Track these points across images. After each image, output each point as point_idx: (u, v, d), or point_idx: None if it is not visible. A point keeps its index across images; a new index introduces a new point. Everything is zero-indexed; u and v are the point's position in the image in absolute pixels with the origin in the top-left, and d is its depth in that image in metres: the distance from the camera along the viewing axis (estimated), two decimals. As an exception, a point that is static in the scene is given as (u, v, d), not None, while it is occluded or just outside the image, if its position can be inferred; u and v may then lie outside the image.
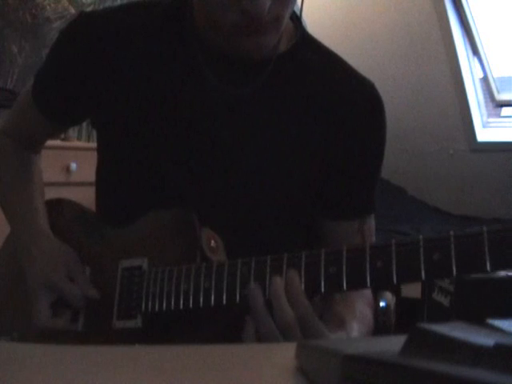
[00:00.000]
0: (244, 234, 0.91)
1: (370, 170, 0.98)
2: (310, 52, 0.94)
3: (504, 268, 0.59)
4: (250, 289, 0.73)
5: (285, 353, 0.51)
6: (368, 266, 0.67)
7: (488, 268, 0.59)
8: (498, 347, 0.31)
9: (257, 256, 0.75)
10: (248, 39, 0.83)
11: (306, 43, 0.95)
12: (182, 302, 0.79)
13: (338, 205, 0.96)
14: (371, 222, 0.98)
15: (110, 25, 0.93)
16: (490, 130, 3.55)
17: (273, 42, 0.85)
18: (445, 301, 2.27)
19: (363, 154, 0.95)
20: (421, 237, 0.64)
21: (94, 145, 1.05)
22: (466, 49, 3.46)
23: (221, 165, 0.90)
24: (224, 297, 0.76)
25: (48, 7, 2.93)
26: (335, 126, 0.92)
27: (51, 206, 1.03)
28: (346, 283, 0.68)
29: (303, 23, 0.97)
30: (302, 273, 0.71)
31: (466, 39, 3.46)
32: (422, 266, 0.63)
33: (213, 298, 0.76)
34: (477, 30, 3.40)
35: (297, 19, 0.96)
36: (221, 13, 0.81)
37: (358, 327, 0.82)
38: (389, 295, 2.58)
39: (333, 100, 0.92)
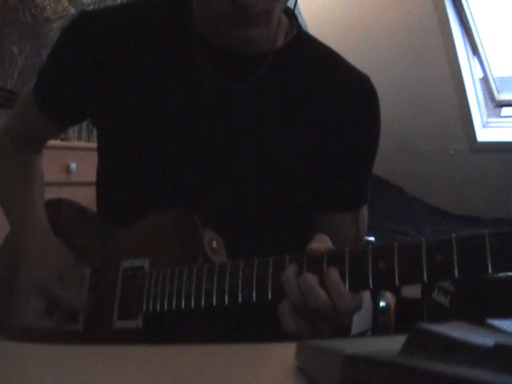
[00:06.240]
0: (244, 234, 0.91)
1: (365, 162, 0.99)
2: (306, 47, 0.96)
3: (505, 271, 0.59)
4: (285, 270, 0.72)
5: (285, 353, 0.51)
6: (370, 267, 0.67)
7: (489, 270, 0.59)
8: (497, 347, 0.31)
9: (256, 255, 0.75)
10: (237, 32, 0.83)
11: (302, 38, 0.96)
12: (183, 302, 0.79)
13: (333, 197, 0.97)
14: (364, 212, 1.00)
15: (110, 23, 0.93)
16: (490, 129, 3.55)
17: (262, 35, 0.84)
18: (445, 301, 2.27)
19: (359, 146, 0.96)
20: (423, 239, 0.64)
21: (94, 145, 1.05)
22: (466, 49, 3.46)
23: (221, 162, 0.90)
24: (226, 298, 0.75)
25: (48, 7, 2.92)
26: (332, 119, 0.93)
27: (51, 206, 1.03)
28: (348, 284, 0.68)
29: (303, 22, 0.98)
30: (305, 273, 0.71)
31: (466, 39, 3.45)
32: (424, 268, 0.63)
33: (214, 298, 0.76)
34: (477, 29, 3.40)
35: (292, 15, 0.97)
36: (209, 4, 0.81)
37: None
38: (389, 295, 2.59)
39: (329, 93, 0.93)
